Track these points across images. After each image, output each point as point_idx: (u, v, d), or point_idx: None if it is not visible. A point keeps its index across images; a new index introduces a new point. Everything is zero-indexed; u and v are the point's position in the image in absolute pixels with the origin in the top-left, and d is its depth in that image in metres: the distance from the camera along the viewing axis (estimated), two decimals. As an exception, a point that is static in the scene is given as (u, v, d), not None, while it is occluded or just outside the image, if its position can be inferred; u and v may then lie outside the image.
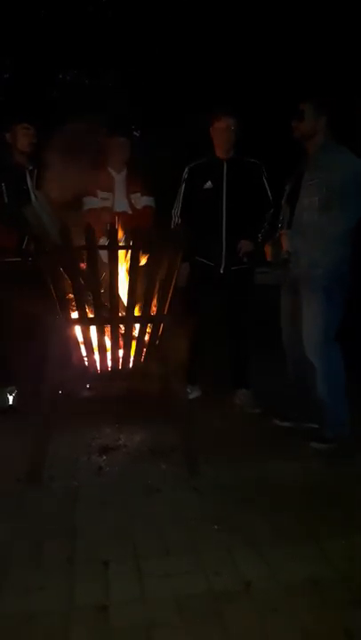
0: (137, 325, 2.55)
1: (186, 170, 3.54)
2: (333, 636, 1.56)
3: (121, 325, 2.50)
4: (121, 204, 3.56)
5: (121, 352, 2.55)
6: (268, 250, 3.07)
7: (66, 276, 2.46)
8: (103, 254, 2.43)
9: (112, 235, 2.37)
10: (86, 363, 2.58)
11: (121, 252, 2.43)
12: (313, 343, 2.85)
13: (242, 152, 3.48)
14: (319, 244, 2.77)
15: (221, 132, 3.39)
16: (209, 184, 3.42)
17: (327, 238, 2.76)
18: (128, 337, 2.53)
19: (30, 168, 3.37)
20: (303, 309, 2.89)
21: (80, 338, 2.55)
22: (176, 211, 3.52)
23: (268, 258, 3.08)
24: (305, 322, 2.88)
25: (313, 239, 2.79)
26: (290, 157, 3.07)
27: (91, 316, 2.48)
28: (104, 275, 2.50)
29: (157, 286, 2.54)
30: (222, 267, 3.42)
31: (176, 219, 3.51)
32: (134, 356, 2.60)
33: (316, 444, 2.84)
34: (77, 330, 2.54)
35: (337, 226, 2.75)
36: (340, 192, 2.71)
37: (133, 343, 2.58)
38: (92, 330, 2.50)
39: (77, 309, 2.47)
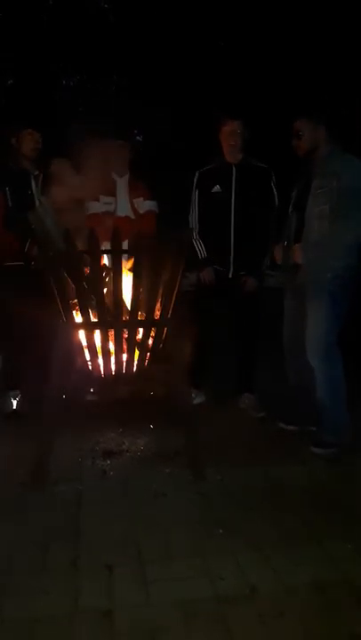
0: (141, 329, 2.55)
1: (196, 175, 3.54)
2: (339, 639, 1.56)
3: (125, 329, 2.51)
4: (123, 209, 3.57)
5: (125, 356, 2.56)
6: (277, 254, 3.08)
7: (69, 281, 2.47)
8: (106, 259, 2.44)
9: (115, 239, 2.37)
10: (90, 367, 2.59)
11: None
12: (315, 347, 2.85)
13: (251, 156, 3.48)
14: (330, 252, 2.78)
15: (229, 136, 3.40)
16: (217, 188, 3.42)
17: (336, 246, 2.77)
18: (132, 341, 2.53)
19: (35, 173, 3.38)
20: (308, 313, 2.88)
21: (84, 342, 2.55)
22: (193, 216, 3.52)
23: (278, 262, 3.09)
24: (308, 325, 2.88)
25: (323, 248, 2.79)
26: (297, 162, 3.08)
27: (94, 320, 2.48)
28: (107, 279, 2.51)
29: (161, 290, 2.54)
30: (231, 271, 3.42)
31: (194, 225, 3.50)
32: (138, 361, 2.60)
33: (316, 449, 2.83)
34: (81, 334, 2.55)
35: (345, 234, 2.75)
36: (349, 200, 2.71)
37: (137, 347, 2.58)
38: (96, 334, 2.51)
39: (81, 313, 2.47)
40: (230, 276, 3.43)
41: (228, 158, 3.45)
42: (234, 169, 3.40)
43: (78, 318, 2.52)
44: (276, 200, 3.45)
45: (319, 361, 2.84)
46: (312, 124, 2.91)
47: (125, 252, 2.45)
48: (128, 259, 2.55)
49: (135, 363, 2.60)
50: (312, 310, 2.87)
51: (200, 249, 3.47)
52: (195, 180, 3.53)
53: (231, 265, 3.41)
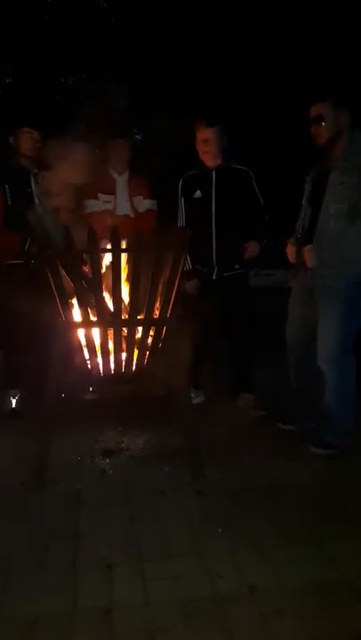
0: (140, 328, 2.55)
1: (180, 181, 3.56)
2: (339, 638, 1.56)
3: (124, 328, 2.50)
4: (123, 208, 3.56)
5: (124, 355, 2.55)
6: (290, 251, 2.91)
7: (68, 279, 2.47)
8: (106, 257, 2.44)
9: (114, 238, 2.37)
10: (89, 366, 2.58)
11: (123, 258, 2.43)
12: (328, 353, 2.74)
13: (231, 159, 3.47)
14: (345, 256, 2.65)
15: (202, 143, 3.39)
16: (198, 193, 3.44)
17: (354, 249, 2.63)
18: (131, 340, 2.53)
19: (34, 171, 3.38)
20: (321, 318, 2.78)
21: (83, 341, 2.55)
22: (181, 223, 3.53)
23: (291, 260, 2.93)
24: (322, 331, 2.77)
25: (339, 250, 2.65)
26: (296, 162, 3.01)
27: (93, 318, 2.48)
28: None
29: (160, 289, 2.54)
30: (215, 273, 3.43)
31: None
32: (137, 359, 2.60)
33: (317, 449, 2.81)
34: (80, 333, 2.55)
35: None
36: None
37: (136, 346, 2.58)
38: (95, 333, 2.50)
39: (80, 312, 2.47)
40: (214, 277, 3.44)
41: (207, 163, 3.45)
42: (213, 174, 3.41)
43: (77, 317, 2.51)
44: (261, 200, 3.44)
45: (331, 368, 2.75)
46: (336, 107, 2.63)
47: (125, 250, 2.45)
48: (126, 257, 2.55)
49: (134, 362, 2.60)
50: (325, 315, 2.74)
51: (185, 260, 3.46)
52: (180, 187, 3.55)
53: (215, 267, 3.42)
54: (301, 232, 2.87)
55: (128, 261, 2.50)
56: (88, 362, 2.58)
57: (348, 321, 2.70)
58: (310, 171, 2.93)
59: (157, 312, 2.57)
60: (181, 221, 3.53)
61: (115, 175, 3.60)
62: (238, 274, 3.48)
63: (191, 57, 8.20)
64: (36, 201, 3.18)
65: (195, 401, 3.44)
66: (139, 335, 2.55)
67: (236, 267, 3.43)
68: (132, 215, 3.56)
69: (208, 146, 3.37)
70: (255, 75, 7.83)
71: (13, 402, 3.43)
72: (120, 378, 2.62)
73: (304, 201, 2.92)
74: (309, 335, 2.88)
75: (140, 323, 2.52)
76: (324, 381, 2.82)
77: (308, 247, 2.76)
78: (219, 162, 3.43)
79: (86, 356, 2.57)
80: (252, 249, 3.38)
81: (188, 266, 3.44)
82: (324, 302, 2.76)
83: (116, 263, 2.38)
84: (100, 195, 3.52)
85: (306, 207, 2.88)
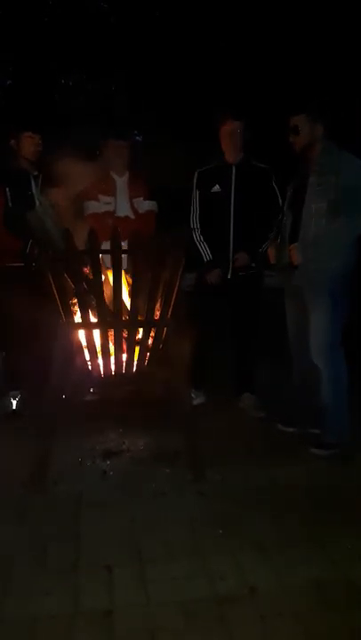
0: (140, 329, 2.55)
1: (195, 174, 3.54)
2: (338, 639, 1.56)
3: (124, 329, 2.51)
4: (123, 209, 3.56)
5: (124, 356, 2.56)
6: (271, 253, 3.07)
7: (69, 281, 2.47)
8: (106, 259, 2.44)
9: (115, 239, 2.37)
10: (90, 367, 2.59)
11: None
12: (319, 347, 2.84)
13: (252, 155, 3.47)
14: (328, 251, 2.76)
15: (228, 136, 3.40)
16: (217, 188, 3.41)
17: (335, 245, 2.75)
18: (131, 341, 2.53)
19: (35, 173, 3.39)
20: (310, 314, 2.88)
21: (84, 342, 2.55)
22: (194, 217, 3.51)
23: (272, 261, 3.07)
24: (312, 326, 2.87)
25: (321, 246, 2.78)
26: (295, 161, 3.06)
27: (94, 320, 2.48)
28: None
29: (161, 290, 2.54)
30: (230, 272, 3.42)
31: (196, 225, 3.49)
32: (138, 361, 2.60)
33: (316, 450, 2.83)
34: (81, 334, 2.55)
35: (345, 232, 2.74)
36: (347, 197, 2.69)
37: (137, 347, 2.58)
38: (96, 334, 2.51)
39: (81, 314, 2.47)
40: (229, 276, 3.43)
41: (227, 158, 3.44)
42: (233, 169, 3.40)
43: (78, 318, 2.52)
44: (280, 200, 3.44)
45: (323, 361, 2.84)
46: (310, 120, 2.87)
47: (125, 251, 2.45)
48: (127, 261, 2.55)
49: (135, 363, 2.61)
50: (314, 311, 2.86)
51: (205, 251, 3.45)
52: (194, 180, 3.53)
53: (230, 265, 3.41)
54: (282, 235, 3.04)
55: (129, 263, 2.51)
56: (89, 363, 2.58)
57: (335, 314, 2.80)
58: (293, 179, 3.08)
59: (158, 313, 2.57)
60: (194, 215, 3.52)
61: (115, 176, 3.60)
62: (253, 274, 3.47)
63: (191, 57, 8.20)
64: (37, 203, 3.19)
65: (195, 402, 3.44)
66: (139, 336, 2.56)
67: (253, 264, 3.42)
68: (133, 216, 3.56)
69: (234, 138, 3.38)
70: (255, 76, 7.83)
71: (14, 403, 3.43)
72: (121, 379, 2.62)
73: (285, 205, 3.09)
74: (306, 333, 2.92)
75: (140, 324, 2.52)
76: (318, 376, 2.87)
77: (293, 245, 2.91)
78: (240, 157, 3.43)
79: (87, 357, 2.58)
80: (241, 260, 3.39)
81: (209, 256, 3.44)
82: (311, 297, 2.87)
83: (116, 264, 2.38)
84: (100, 196, 3.52)
85: (287, 212, 3.05)
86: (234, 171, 3.40)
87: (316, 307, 2.84)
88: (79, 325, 2.51)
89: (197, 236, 3.45)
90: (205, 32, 8.05)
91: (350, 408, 2.88)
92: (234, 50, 8.07)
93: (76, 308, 2.52)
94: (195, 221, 3.50)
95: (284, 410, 3.21)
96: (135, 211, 3.58)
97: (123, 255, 2.40)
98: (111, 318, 2.47)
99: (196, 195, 3.52)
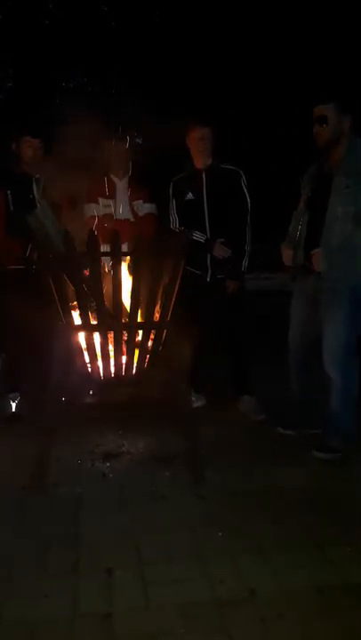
0: (140, 332, 2.55)
1: (171, 184, 3.57)
2: (339, 643, 1.56)
3: (124, 332, 2.51)
4: (123, 212, 3.57)
5: (124, 358, 2.56)
6: (285, 254, 2.90)
7: (69, 283, 2.47)
8: (106, 261, 2.44)
9: (115, 241, 2.38)
10: (89, 369, 2.59)
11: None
12: (333, 356, 2.76)
13: (221, 159, 3.48)
14: (352, 258, 2.65)
15: (196, 142, 3.41)
16: (190, 195, 3.44)
17: (360, 252, 2.63)
18: (131, 343, 2.54)
19: (36, 176, 3.39)
20: (325, 321, 2.78)
21: (83, 344, 2.55)
22: (174, 226, 3.54)
23: (287, 263, 2.91)
24: (326, 334, 2.78)
25: (348, 254, 2.64)
26: (294, 162, 3.01)
27: (94, 322, 2.49)
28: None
29: (160, 293, 2.54)
30: (208, 275, 3.44)
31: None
32: (137, 363, 2.60)
33: (320, 453, 2.80)
34: (81, 336, 2.55)
35: None
36: None
37: (136, 350, 2.58)
38: (96, 336, 2.51)
39: (80, 316, 2.48)
40: (208, 279, 3.44)
41: (196, 164, 3.46)
42: (204, 175, 3.42)
43: (78, 320, 2.52)
44: (248, 200, 3.44)
45: (336, 370, 2.76)
46: (339, 110, 2.65)
47: (125, 254, 2.45)
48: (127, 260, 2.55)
49: (135, 365, 2.61)
50: (330, 320, 2.75)
51: (198, 236, 3.44)
52: (170, 190, 3.56)
53: (208, 269, 3.43)
54: (300, 236, 2.85)
55: (129, 266, 2.51)
56: (88, 365, 2.58)
57: (352, 323, 2.72)
58: (305, 174, 2.94)
59: (157, 315, 2.57)
60: (174, 224, 3.55)
61: (115, 179, 3.60)
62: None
63: (192, 60, 8.22)
64: (38, 205, 3.19)
65: (195, 404, 3.43)
66: (139, 339, 2.56)
67: (230, 267, 3.43)
68: (133, 219, 3.57)
69: (204, 144, 3.39)
70: (255, 77, 7.85)
71: (14, 405, 3.43)
72: (120, 381, 2.62)
73: (302, 204, 2.90)
74: (311, 339, 2.89)
75: (140, 326, 2.53)
76: (328, 384, 2.81)
77: (316, 251, 2.73)
78: (209, 162, 3.44)
79: (87, 359, 2.58)
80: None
81: (206, 236, 3.42)
82: (330, 305, 2.76)
83: (116, 267, 2.38)
84: (100, 199, 3.52)
85: (304, 211, 2.87)
86: (204, 176, 3.42)
87: (333, 316, 2.73)
88: (79, 327, 2.51)
89: (189, 233, 3.46)
90: (205, 35, 8.08)
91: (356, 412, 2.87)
92: (234, 52, 8.09)
93: (76, 311, 2.52)
94: (176, 229, 3.53)
95: (284, 412, 3.20)
96: (135, 213, 3.59)
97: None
98: (111, 320, 2.47)
99: (173, 204, 3.54)
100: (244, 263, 3.44)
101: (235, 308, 3.48)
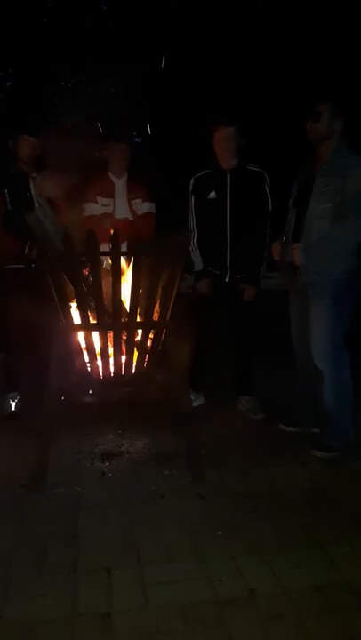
0: (139, 331, 2.54)
1: (192, 181, 3.54)
2: (339, 642, 1.55)
3: (123, 331, 2.50)
4: (122, 211, 3.56)
5: (123, 358, 2.55)
6: (275, 251, 3.03)
7: (68, 282, 2.47)
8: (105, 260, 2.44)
9: (114, 241, 2.37)
10: (89, 368, 2.58)
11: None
12: (320, 351, 2.82)
13: (246, 160, 3.47)
14: (330, 254, 2.74)
15: (222, 142, 3.40)
16: (213, 194, 3.42)
17: (338, 248, 2.73)
18: (130, 343, 2.53)
19: (34, 175, 3.39)
20: (312, 316, 2.86)
21: (82, 344, 2.55)
22: (191, 223, 3.52)
23: (276, 259, 3.04)
24: (313, 329, 2.85)
25: (324, 248, 2.75)
26: (295, 163, 3.04)
27: (93, 321, 2.48)
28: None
29: (160, 292, 2.54)
30: (227, 275, 3.43)
31: (192, 231, 3.50)
32: (137, 362, 2.60)
33: (319, 452, 2.82)
34: (80, 336, 2.55)
35: (349, 236, 2.71)
36: (353, 201, 2.66)
37: (136, 349, 2.57)
38: (95, 336, 2.50)
39: (80, 315, 2.47)
40: (227, 279, 3.43)
41: (221, 164, 3.45)
42: (228, 175, 3.41)
43: (77, 320, 2.51)
44: (270, 204, 3.43)
45: (326, 364, 2.82)
46: (333, 111, 2.80)
47: (125, 253, 2.45)
48: (127, 260, 2.55)
49: (134, 364, 2.60)
50: (315, 313, 2.84)
51: (196, 259, 3.46)
52: (190, 187, 3.54)
53: (227, 269, 3.42)
54: (287, 232, 2.98)
55: (128, 265, 2.50)
56: (88, 364, 2.58)
57: (336, 317, 2.78)
58: (298, 176, 3.04)
59: (157, 314, 2.57)
60: (192, 222, 3.53)
61: (113, 178, 3.60)
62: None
63: (192, 61, 8.21)
64: (36, 204, 3.18)
65: (194, 403, 3.43)
66: (138, 338, 2.55)
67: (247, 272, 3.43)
68: (131, 218, 3.56)
69: (228, 144, 3.38)
70: (256, 79, 7.84)
71: (13, 405, 3.42)
72: (120, 381, 2.61)
73: (291, 203, 3.04)
74: (309, 335, 2.90)
75: (139, 325, 2.52)
76: (321, 379, 2.85)
77: (296, 245, 2.86)
78: (234, 162, 3.43)
79: (86, 358, 2.57)
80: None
81: (200, 265, 3.44)
82: (314, 301, 2.85)
83: (115, 266, 2.38)
84: (98, 198, 3.52)
85: (292, 209, 3.00)
86: (229, 176, 3.41)
87: (317, 309, 2.82)
88: (78, 327, 2.51)
89: (192, 243, 3.46)
90: (205, 36, 8.07)
91: (353, 410, 2.87)
92: (234, 54, 8.09)
93: (76, 310, 2.51)
94: (192, 227, 3.52)
95: (285, 410, 3.20)
96: (134, 212, 3.59)
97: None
98: (110, 320, 2.47)
99: (192, 200, 3.53)
100: (263, 269, 3.44)
101: (248, 310, 3.47)
